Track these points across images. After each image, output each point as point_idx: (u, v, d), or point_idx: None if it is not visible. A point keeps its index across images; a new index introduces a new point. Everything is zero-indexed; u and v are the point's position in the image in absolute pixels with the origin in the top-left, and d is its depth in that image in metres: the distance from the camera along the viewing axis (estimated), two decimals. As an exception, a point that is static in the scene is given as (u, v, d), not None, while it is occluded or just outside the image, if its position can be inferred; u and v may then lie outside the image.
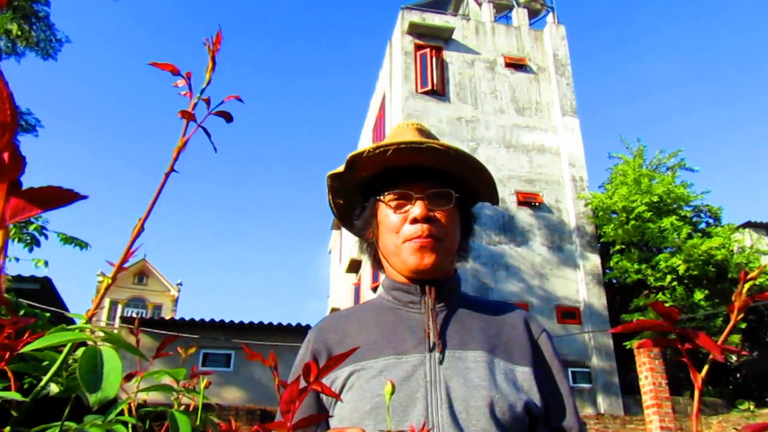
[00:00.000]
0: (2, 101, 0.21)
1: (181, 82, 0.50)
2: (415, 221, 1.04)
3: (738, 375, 14.19)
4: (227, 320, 12.77)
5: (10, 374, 0.52)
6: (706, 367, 0.48)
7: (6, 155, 0.21)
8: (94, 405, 0.41)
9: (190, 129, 0.50)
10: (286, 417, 0.49)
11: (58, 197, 0.22)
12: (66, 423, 0.68)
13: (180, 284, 39.18)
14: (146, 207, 0.54)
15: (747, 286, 0.47)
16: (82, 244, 4.63)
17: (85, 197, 0.23)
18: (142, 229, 0.50)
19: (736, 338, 11.82)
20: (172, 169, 0.50)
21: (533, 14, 17.63)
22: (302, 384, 0.51)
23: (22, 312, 5.34)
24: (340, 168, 1.12)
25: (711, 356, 0.45)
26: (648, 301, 12.16)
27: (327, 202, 1.22)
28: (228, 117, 0.50)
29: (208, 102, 0.50)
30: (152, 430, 0.81)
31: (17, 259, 4.55)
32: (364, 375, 0.98)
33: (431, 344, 1.00)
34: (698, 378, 0.44)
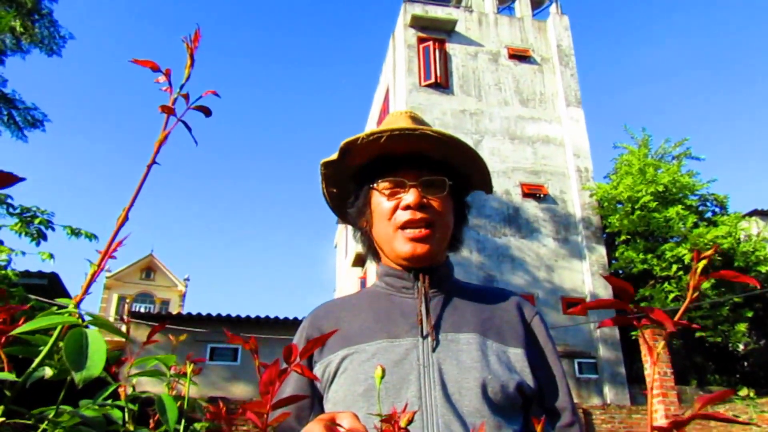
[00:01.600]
0: None
1: (161, 78, 0.52)
2: (408, 208, 1.04)
3: (745, 363, 14.17)
4: (234, 315, 12.85)
5: (3, 356, 0.55)
6: (662, 343, 0.50)
7: None
8: (79, 383, 0.44)
9: (170, 123, 0.53)
10: (266, 398, 0.51)
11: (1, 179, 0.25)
12: (61, 406, 0.71)
13: (187, 279, 39.37)
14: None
15: (701, 264, 0.49)
16: (90, 235, 4.68)
17: (22, 179, 0.27)
18: (126, 218, 0.53)
19: (742, 327, 11.78)
20: (154, 161, 0.53)
21: (536, 5, 17.52)
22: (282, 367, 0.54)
23: (30, 304, 5.39)
24: (334, 156, 1.12)
25: (666, 332, 0.47)
26: (654, 291, 12.18)
27: (321, 191, 1.23)
28: (207, 111, 0.53)
29: (186, 97, 0.52)
30: (146, 414, 0.84)
31: (23, 253, 4.60)
32: (357, 358, 0.99)
33: (424, 328, 1.01)
34: (653, 353, 0.46)
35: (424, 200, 1.06)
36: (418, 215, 1.04)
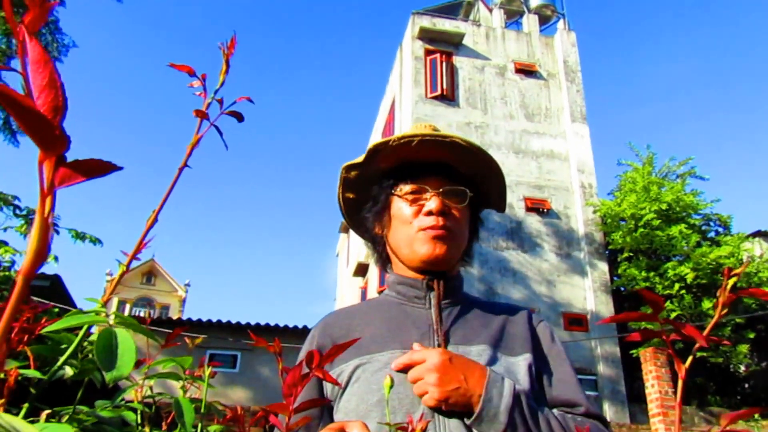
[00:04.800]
0: (56, 89, 0.25)
1: (196, 83, 0.53)
2: (430, 214, 1.06)
3: (746, 385, 14.07)
4: (234, 321, 12.82)
5: (30, 354, 0.55)
6: (690, 358, 0.50)
7: (57, 133, 0.26)
8: (110, 382, 0.44)
9: (203, 128, 0.53)
10: (288, 400, 0.52)
11: (98, 167, 0.27)
12: (78, 407, 0.71)
13: (188, 285, 39.31)
14: (159, 201, 0.57)
15: (731, 282, 0.49)
16: (94, 240, 4.69)
17: (120, 168, 0.28)
18: (155, 220, 0.53)
19: (744, 348, 11.72)
20: (186, 165, 0.53)
21: (544, 20, 17.62)
22: (305, 371, 0.54)
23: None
24: (359, 158, 1.14)
25: (696, 345, 0.47)
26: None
27: (336, 198, 1.23)
28: (239, 117, 0.53)
29: (221, 102, 0.53)
30: (159, 416, 0.84)
31: (28, 255, 4.62)
32: (369, 368, 0.98)
33: (436, 338, 1.01)
34: (682, 368, 0.46)
35: (446, 208, 1.07)
36: (440, 221, 1.05)
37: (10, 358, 0.55)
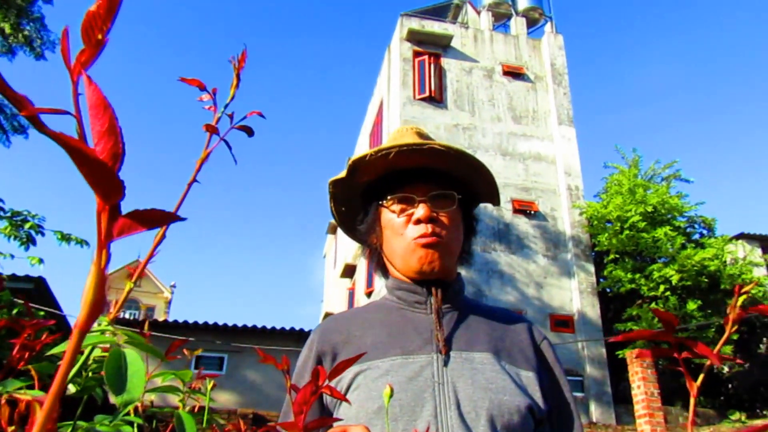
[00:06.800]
0: (116, 136, 0.25)
1: (206, 97, 0.52)
2: (418, 222, 1.05)
3: (729, 386, 14.24)
4: (221, 323, 12.74)
5: (34, 373, 0.54)
6: (701, 376, 0.50)
7: (117, 182, 0.25)
8: (120, 406, 0.43)
9: (213, 142, 0.52)
10: (299, 418, 0.51)
11: (159, 218, 0.26)
12: (77, 422, 0.70)
13: (173, 286, 38.99)
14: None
15: (741, 299, 0.49)
16: (80, 241, 4.63)
17: (183, 219, 0.27)
18: (163, 236, 0.52)
19: (727, 349, 11.86)
20: (195, 180, 0.52)
21: (531, 23, 17.72)
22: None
23: (16, 310, 5.32)
24: (342, 174, 1.13)
25: (708, 363, 0.47)
26: (641, 311, 12.24)
27: (328, 207, 1.21)
28: (249, 132, 0.53)
29: (231, 117, 0.52)
30: (158, 430, 0.82)
31: (12, 256, 4.55)
32: (370, 374, 0.97)
33: (438, 345, 1.00)
34: (693, 386, 0.46)
35: (434, 214, 1.06)
36: (429, 229, 1.04)
37: (13, 377, 0.54)
